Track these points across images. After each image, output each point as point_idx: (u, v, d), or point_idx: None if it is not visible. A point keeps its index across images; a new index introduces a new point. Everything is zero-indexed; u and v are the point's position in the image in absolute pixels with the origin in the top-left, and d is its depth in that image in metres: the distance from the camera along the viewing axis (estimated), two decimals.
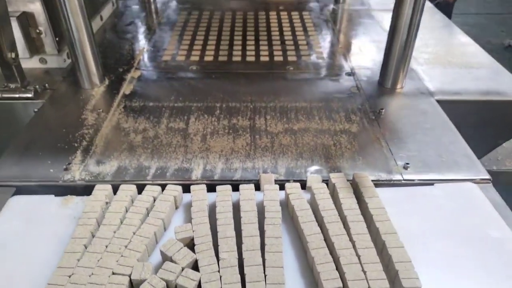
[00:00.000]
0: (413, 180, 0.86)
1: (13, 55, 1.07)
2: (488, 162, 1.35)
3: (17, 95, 1.12)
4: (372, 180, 0.82)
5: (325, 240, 0.69)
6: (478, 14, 5.23)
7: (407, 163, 0.89)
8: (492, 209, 0.79)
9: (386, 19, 1.12)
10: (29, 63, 1.24)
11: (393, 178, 0.87)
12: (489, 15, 5.20)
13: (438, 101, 1.13)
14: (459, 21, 4.86)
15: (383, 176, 0.87)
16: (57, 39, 1.25)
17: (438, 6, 2.03)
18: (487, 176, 0.87)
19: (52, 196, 0.82)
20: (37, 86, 1.14)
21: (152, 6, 1.83)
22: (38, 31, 1.23)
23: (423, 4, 1.06)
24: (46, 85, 1.17)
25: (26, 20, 1.20)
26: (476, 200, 0.82)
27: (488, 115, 1.18)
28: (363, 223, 0.72)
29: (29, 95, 1.12)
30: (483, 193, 0.83)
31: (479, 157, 1.16)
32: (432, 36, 1.53)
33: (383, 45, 1.17)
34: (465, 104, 1.16)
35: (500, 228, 0.75)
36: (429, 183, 0.85)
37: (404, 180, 0.86)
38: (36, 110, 1.10)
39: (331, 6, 1.83)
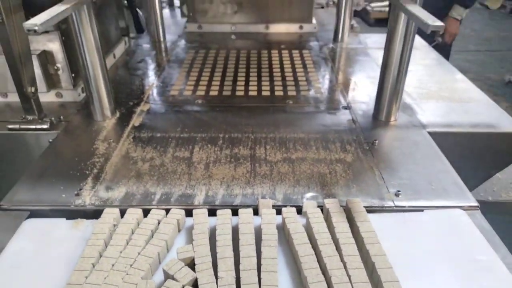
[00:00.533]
0: (404, 206, 0.91)
1: (33, 89, 1.17)
2: (484, 193, 1.39)
3: (34, 126, 1.20)
4: (365, 207, 0.86)
5: (318, 261, 0.73)
6: (477, 51, 5.38)
7: (399, 191, 0.94)
8: (479, 234, 0.83)
9: (381, 57, 1.20)
10: (46, 97, 1.33)
11: (385, 205, 0.91)
12: (488, 52, 5.35)
13: (430, 133, 1.19)
14: (460, 58, 5.00)
15: (376, 202, 0.92)
16: (73, 75, 1.35)
17: (436, 47, 2.12)
18: (475, 204, 0.91)
19: (64, 219, 0.87)
20: (52, 118, 1.23)
21: (162, 45, 1.95)
22: (56, 67, 1.33)
23: (412, 42, 1.14)
24: (61, 117, 1.26)
25: (45, 57, 1.31)
26: (464, 225, 0.86)
27: (479, 147, 1.23)
28: (354, 246, 0.76)
29: (45, 126, 1.20)
30: (471, 219, 0.87)
31: (473, 187, 1.21)
32: (426, 73, 1.62)
33: (377, 80, 1.25)
34: (457, 136, 1.22)
35: (487, 253, 0.79)
36: (419, 209, 0.90)
37: (395, 206, 0.91)
38: (51, 140, 1.17)
39: (330, 45, 1.94)
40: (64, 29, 1.28)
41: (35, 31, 0.87)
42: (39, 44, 1.29)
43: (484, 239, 0.82)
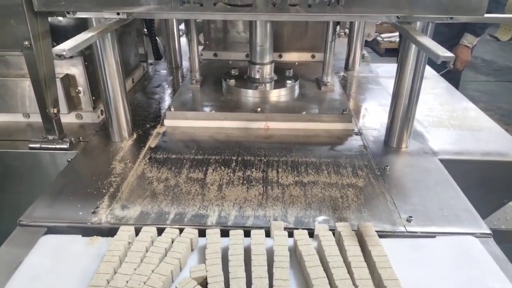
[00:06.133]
0: (416, 232, 0.91)
1: (55, 110, 1.22)
2: (497, 221, 1.38)
3: (54, 146, 1.24)
4: (377, 231, 0.87)
5: (329, 284, 0.74)
6: (488, 82, 5.41)
7: (410, 216, 0.95)
8: (493, 262, 0.82)
9: (392, 85, 1.23)
10: (67, 118, 1.39)
11: (397, 230, 0.92)
12: (499, 82, 5.37)
13: (441, 160, 1.20)
14: (470, 88, 5.03)
15: (387, 227, 0.92)
16: (93, 98, 1.41)
17: (446, 76, 2.14)
18: (488, 231, 0.91)
19: (80, 236, 0.90)
20: (72, 138, 1.27)
21: (179, 71, 2.01)
22: (77, 90, 1.39)
23: (423, 72, 1.17)
24: (80, 137, 1.31)
25: (68, 81, 1.37)
26: (477, 252, 0.85)
27: (491, 175, 1.23)
28: (366, 269, 0.76)
29: (65, 146, 1.24)
30: (484, 246, 0.87)
31: (486, 216, 1.20)
32: (436, 102, 1.64)
33: (388, 108, 1.27)
34: (468, 164, 1.23)
35: (500, 280, 0.78)
36: (431, 235, 0.90)
37: (407, 232, 0.91)
38: (69, 159, 1.21)
39: (342, 73, 1.98)
40: (87, 55, 1.34)
41: (63, 56, 0.92)
42: (62, 68, 1.35)
43: (497, 266, 0.81)
